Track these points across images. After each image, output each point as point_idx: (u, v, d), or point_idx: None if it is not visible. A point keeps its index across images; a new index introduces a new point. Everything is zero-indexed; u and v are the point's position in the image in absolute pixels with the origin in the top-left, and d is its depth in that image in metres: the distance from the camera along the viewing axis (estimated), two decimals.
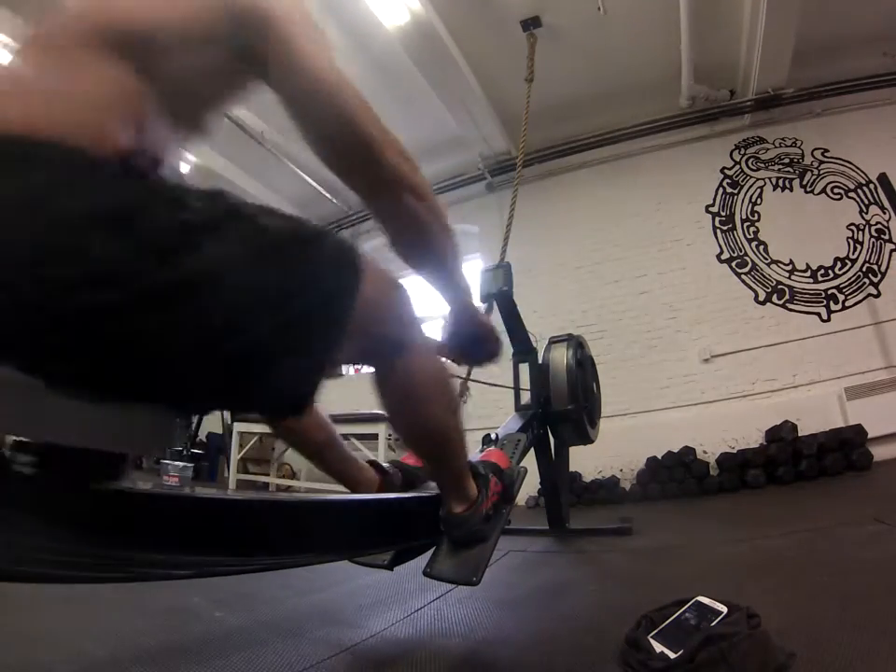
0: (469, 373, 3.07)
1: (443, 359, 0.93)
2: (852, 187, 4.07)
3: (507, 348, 2.27)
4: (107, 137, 0.51)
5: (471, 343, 0.97)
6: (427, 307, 1.00)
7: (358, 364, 0.80)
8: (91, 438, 0.51)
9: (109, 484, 0.54)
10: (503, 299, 2.04)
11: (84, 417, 0.50)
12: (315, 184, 5.09)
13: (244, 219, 0.55)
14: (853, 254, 3.92)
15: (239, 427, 4.36)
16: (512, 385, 2.13)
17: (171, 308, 0.48)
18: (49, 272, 0.44)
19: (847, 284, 3.87)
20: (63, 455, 0.50)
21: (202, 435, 5.62)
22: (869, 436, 3.20)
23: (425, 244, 0.77)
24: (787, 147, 4.32)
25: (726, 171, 4.42)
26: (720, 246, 4.24)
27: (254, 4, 0.60)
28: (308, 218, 0.63)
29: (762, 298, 4.02)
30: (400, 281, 0.71)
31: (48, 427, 0.49)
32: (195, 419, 5.74)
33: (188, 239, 0.49)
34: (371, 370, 0.75)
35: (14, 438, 0.51)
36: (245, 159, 4.89)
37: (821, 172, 4.17)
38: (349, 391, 3.27)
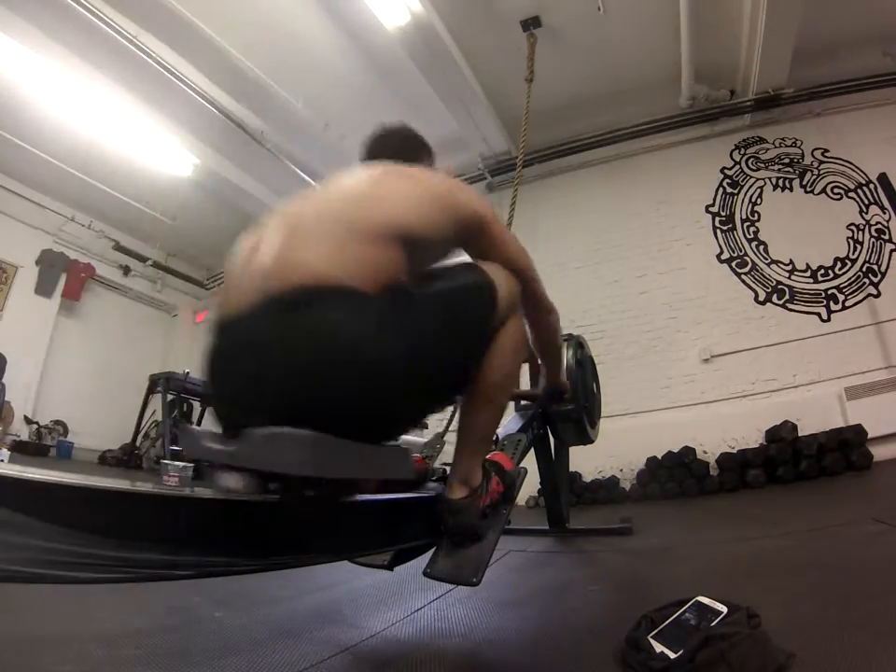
0: None
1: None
2: (852, 187, 4.07)
3: None
4: (377, 283, 0.77)
5: (554, 395, 1.68)
6: None
7: None
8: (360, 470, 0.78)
9: (107, 484, 0.54)
10: None
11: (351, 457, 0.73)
12: (315, 184, 5.08)
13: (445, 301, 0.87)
14: (853, 254, 3.92)
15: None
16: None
17: (404, 373, 0.77)
18: (341, 372, 0.71)
19: (847, 284, 3.87)
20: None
21: None
22: (869, 436, 3.20)
23: (551, 341, 1.29)
24: (787, 147, 4.32)
25: (726, 171, 4.42)
26: (720, 246, 4.24)
27: (475, 212, 0.96)
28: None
29: (762, 298, 4.02)
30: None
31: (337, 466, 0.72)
32: (194, 421, 5.74)
33: (415, 335, 0.78)
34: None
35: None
36: (245, 159, 4.90)
37: (821, 172, 4.17)
38: None
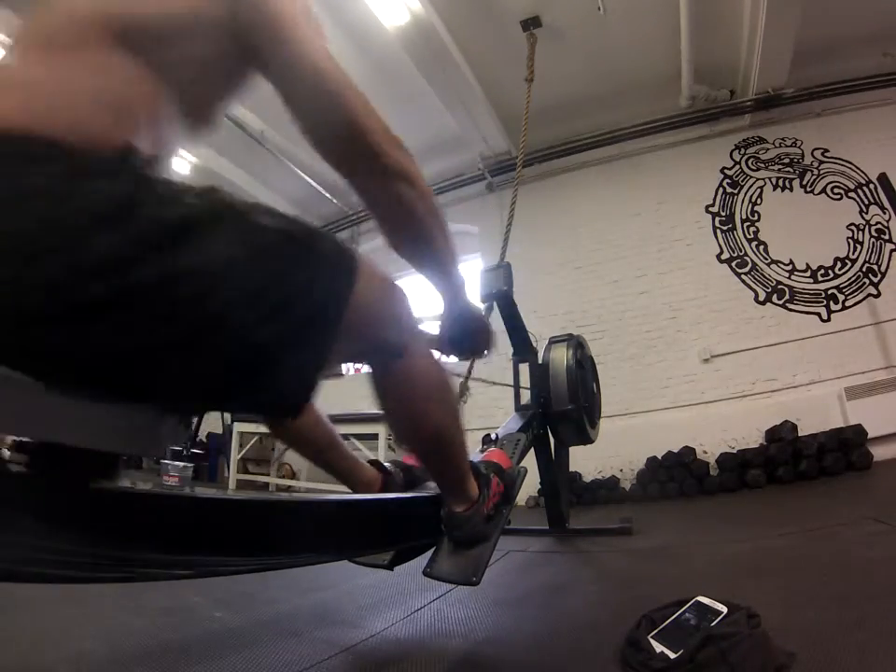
0: (469, 373, 3.07)
1: (436, 353, 0.89)
2: (852, 187, 4.07)
3: (506, 347, 2.28)
4: (109, 134, 0.51)
5: (464, 335, 0.94)
6: (425, 308, 0.99)
7: (356, 363, 0.81)
8: (90, 438, 0.51)
9: (106, 484, 0.54)
10: (503, 299, 2.04)
11: (82, 417, 0.50)
12: (315, 184, 5.09)
13: (239, 217, 0.55)
14: (853, 254, 3.92)
15: (239, 427, 4.37)
16: (512, 385, 2.13)
17: (163, 304, 0.47)
18: (40, 270, 0.44)
19: (847, 284, 3.87)
20: (59, 454, 0.50)
21: (202, 435, 5.62)
22: (869, 436, 3.20)
23: (416, 232, 0.75)
24: (787, 147, 4.32)
25: (726, 171, 4.42)
26: (720, 246, 4.24)
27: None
28: (305, 219, 0.62)
29: (762, 298, 4.02)
30: (397, 283, 0.72)
31: (46, 426, 0.49)
32: (194, 419, 5.75)
33: (182, 235, 0.49)
34: (369, 370, 0.75)
35: (13, 438, 0.51)
36: (245, 159, 4.90)
37: (821, 172, 4.17)
38: (349, 391, 3.27)
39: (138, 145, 0.53)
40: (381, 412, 0.80)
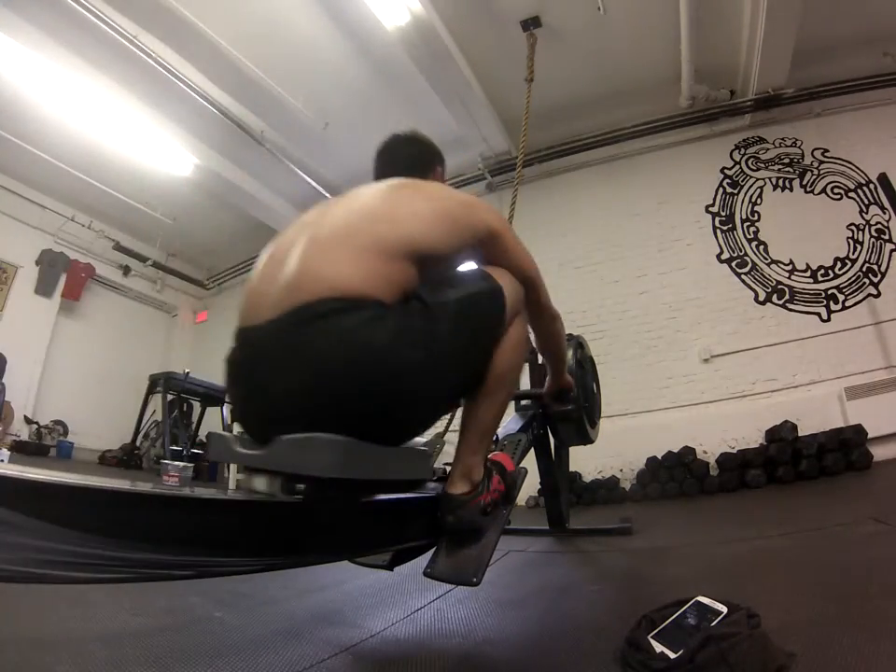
0: None
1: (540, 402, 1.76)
2: (852, 187, 4.07)
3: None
4: (395, 294, 0.82)
5: (560, 395, 1.65)
6: None
7: None
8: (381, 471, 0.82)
9: (109, 485, 0.54)
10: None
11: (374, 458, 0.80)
12: (314, 184, 5.09)
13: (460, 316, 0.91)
14: (853, 254, 3.92)
15: (239, 427, 4.36)
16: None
17: (422, 378, 0.82)
18: (363, 378, 0.75)
19: (847, 284, 3.87)
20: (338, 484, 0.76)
21: (201, 435, 5.63)
22: (869, 436, 3.20)
23: (556, 345, 1.33)
24: (787, 147, 4.32)
25: (726, 171, 4.42)
26: (720, 246, 4.25)
27: (488, 226, 1.00)
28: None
29: (762, 298, 4.02)
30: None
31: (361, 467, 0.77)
32: (194, 421, 5.75)
33: (432, 336, 0.83)
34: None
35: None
36: (245, 159, 4.90)
37: (821, 172, 4.18)
38: None
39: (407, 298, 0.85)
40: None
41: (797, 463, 3.18)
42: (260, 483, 0.76)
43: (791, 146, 4.31)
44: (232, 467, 4.48)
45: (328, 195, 5.23)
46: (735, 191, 4.36)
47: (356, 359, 0.75)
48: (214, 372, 5.33)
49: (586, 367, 2.24)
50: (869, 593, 1.04)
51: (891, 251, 3.87)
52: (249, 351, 0.83)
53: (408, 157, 1.18)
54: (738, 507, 2.90)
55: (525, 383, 2.16)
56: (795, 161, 4.26)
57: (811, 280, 3.96)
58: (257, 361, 0.81)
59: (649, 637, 0.85)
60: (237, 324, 0.87)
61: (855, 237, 3.96)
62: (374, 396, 0.77)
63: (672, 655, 0.79)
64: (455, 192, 1.04)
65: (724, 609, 0.86)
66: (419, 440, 0.95)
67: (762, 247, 4.16)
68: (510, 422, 1.76)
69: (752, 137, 4.44)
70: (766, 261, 4.11)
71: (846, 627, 0.87)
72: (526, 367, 2.18)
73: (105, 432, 5.56)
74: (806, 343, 3.78)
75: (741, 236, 4.23)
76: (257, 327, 0.81)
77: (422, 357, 0.80)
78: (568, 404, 1.71)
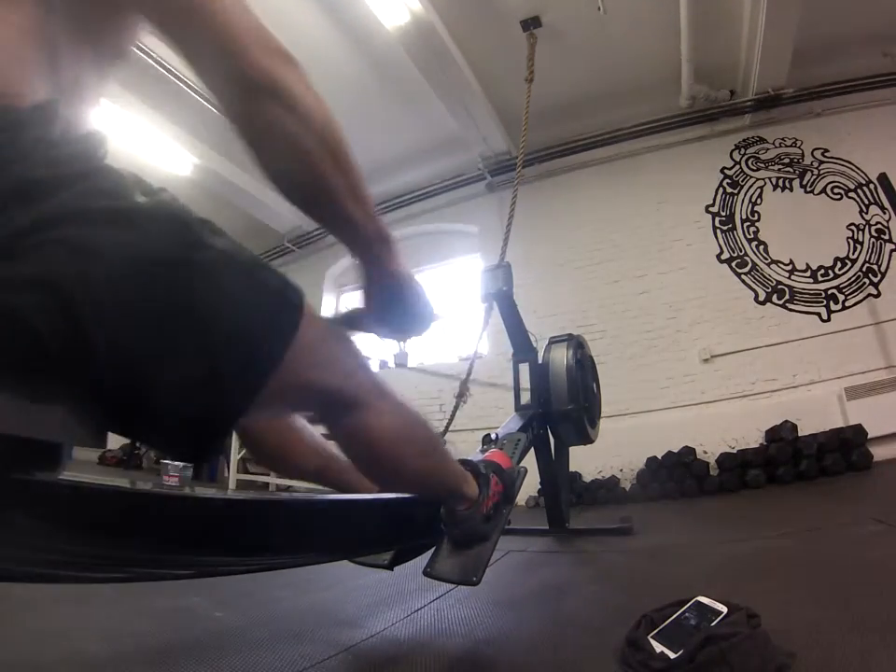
0: (468, 374, 3.07)
1: (363, 333, 0.76)
2: (852, 187, 4.07)
3: (506, 347, 2.27)
4: (17, 86, 0.43)
5: (395, 307, 0.73)
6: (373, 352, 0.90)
7: (306, 416, 0.72)
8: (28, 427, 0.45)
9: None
10: (503, 299, 2.05)
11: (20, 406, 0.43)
12: None
13: (182, 226, 0.48)
14: (853, 254, 3.92)
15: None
16: (512, 386, 2.14)
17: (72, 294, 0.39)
18: None
19: (847, 284, 3.87)
20: None
21: None
22: (869, 436, 3.20)
23: (306, 176, 0.56)
24: (787, 147, 4.32)
25: (726, 171, 4.42)
26: (720, 246, 4.24)
27: None
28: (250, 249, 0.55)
29: (762, 298, 4.02)
30: (346, 334, 0.67)
31: None
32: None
33: (116, 222, 0.43)
34: (322, 426, 0.68)
35: None
36: (245, 159, 4.86)
37: (821, 172, 4.17)
38: None
39: (53, 97, 0.45)
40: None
41: (797, 463, 3.18)
42: None
43: (791, 146, 4.31)
44: (232, 466, 4.47)
45: None
46: (735, 191, 4.36)
47: None
48: None
49: (586, 367, 2.24)
50: (869, 593, 1.04)
51: (891, 251, 3.87)
52: None
53: None
54: (738, 507, 2.90)
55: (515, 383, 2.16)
56: (795, 161, 4.26)
57: (811, 280, 3.96)
58: None
59: (649, 637, 0.85)
60: None
61: (855, 237, 3.96)
62: None
63: (672, 655, 0.79)
64: None
65: (724, 609, 0.86)
66: None
67: (762, 247, 4.16)
68: (510, 421, 1.76)
69: (752, 137, 4.44)
70: (766, 261, 4.11)
71: (846, 627, 0.87)
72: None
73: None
74: (806, 342, 3.78)
75: (741, 236, 4.23)
76: None
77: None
78: (420, 323, 0.78)
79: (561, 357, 2.11)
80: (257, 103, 0.54)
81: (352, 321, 0.75)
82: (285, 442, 0.93)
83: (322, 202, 0.59)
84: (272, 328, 0.50)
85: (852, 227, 3.98)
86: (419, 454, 0.76)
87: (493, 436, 1.53)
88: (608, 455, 3.76)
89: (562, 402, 2.00)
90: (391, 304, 0.72)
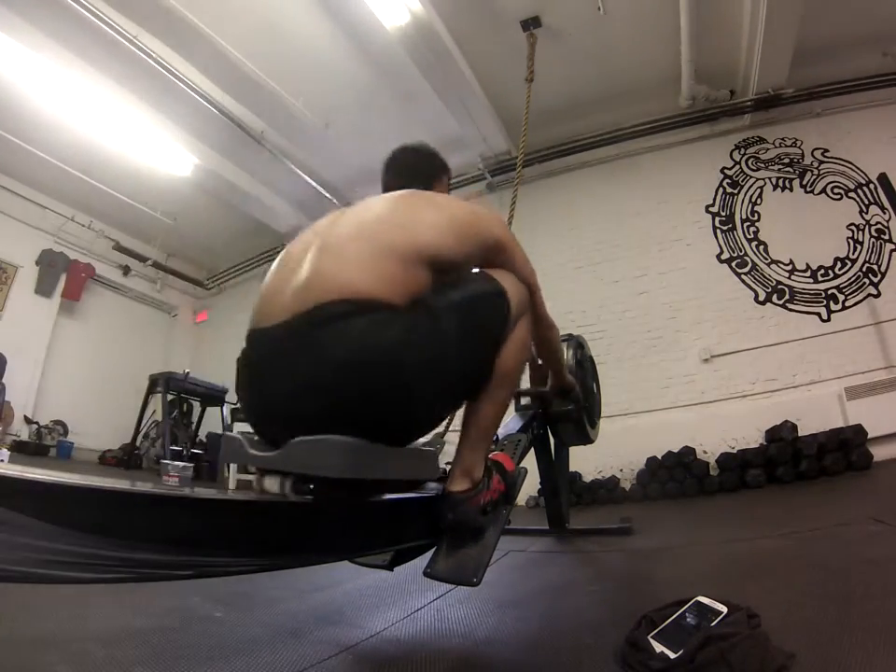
0: None
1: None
2: (852, 187, 4.07)
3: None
4: (405, 298, 0.83)
5: (562, 393, 1.74)
6: None
7: None
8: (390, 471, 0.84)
9: (108, 484, 0.54)
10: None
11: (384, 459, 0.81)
12: (314, 184, 5.09)
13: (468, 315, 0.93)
14: (853, 254, 3.92)
15: (239, 426, 4.37)
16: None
17: (432, 378, 0.83)
18: (374, 379, 0.77)
19: (847, 284, 3.87)
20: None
21: (202, 435, 5.63)
22: (869, 436, 3.20)
23: (553, 350, 1.42)
24: (787, 147, 4.32)
25: (726, 171, 4.42)
26: (720, 246, 4.24)
27: (496, 237, 1.05)
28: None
29: (762, 298, 4.02)
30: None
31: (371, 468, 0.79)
32: (194, 421, 5.75)
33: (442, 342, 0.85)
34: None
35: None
36: (245, 159, 4.90)
37: (821, 172, 4.17)
38: None
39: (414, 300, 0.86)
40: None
41: (797, 463, 3.18)
42: (272, 484, 0.77)
43: (791, 146, 4.31)
44: (233, 467, 4.48)
45: (328, 195, 5.24)
46: (735, 191, 4.36)
47: (366, 360, 0.77)
48: (214, 372, 5.34)
49: (586, 367, 2.24)
50: (869, 593, 1.04)
51: (891, 251, 3.87)
52: (262, 352, 0.84)
53: (415, 167, 1.23)
54: (738, 507, 2.90)
55: (524, 382, 2.16)
56: (795, 161, 4.26)
57: (811, 280, 3.96)
58: (269, 362, 0.82)
59: (649, 637, 0.85)
60: (250, 326, 0.88)
61: (855, 237, 3.96)
62: (383, 396, 0.78)
63: (672, 655, 0.79)
64: (463, 203, 1.08)
65: (724, 609, 0.86)
66: (421, 440, 0.96)
67: (762, 247, 4.16)
68: (510, 422, 1.76)
69: (752, 137, 4.44)
70: (766, 261, 4.11)
71: (846, 627, 0.87)
72: (527, 367, 2.17)
73: (104, 432, 5.55)
74: (806, 342, 3.78)
75: (741, 236, 4.23)
76: (270, 328, 0.83)
77: (430, 357, 0.82)
78: (570, 403, 1.78)
79: None
80: (547, 329, 1.28)
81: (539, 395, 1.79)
82: None
83: (558, 359, 1.53)
84: (504, 319, 1.00)
85: (852, 227, 3.98)
86: (523, 361, 1.10)
87: (494, 435, 1.53)
88: (608, 455, 3.76)
89: (562, 402, 2.00)
90: (560, 394, 1.75)
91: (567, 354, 2.11)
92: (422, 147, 1.28)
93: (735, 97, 4.32)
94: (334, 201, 5.30)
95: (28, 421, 4.98)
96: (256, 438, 0.85)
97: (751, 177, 4.35)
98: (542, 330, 1.23)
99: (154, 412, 5.44)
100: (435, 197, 1.06)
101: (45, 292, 5.42)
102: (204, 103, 4.15)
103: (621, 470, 3.84)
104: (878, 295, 3.77)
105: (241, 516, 0.69)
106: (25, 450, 4.64)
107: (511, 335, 0.99)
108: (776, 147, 4.35)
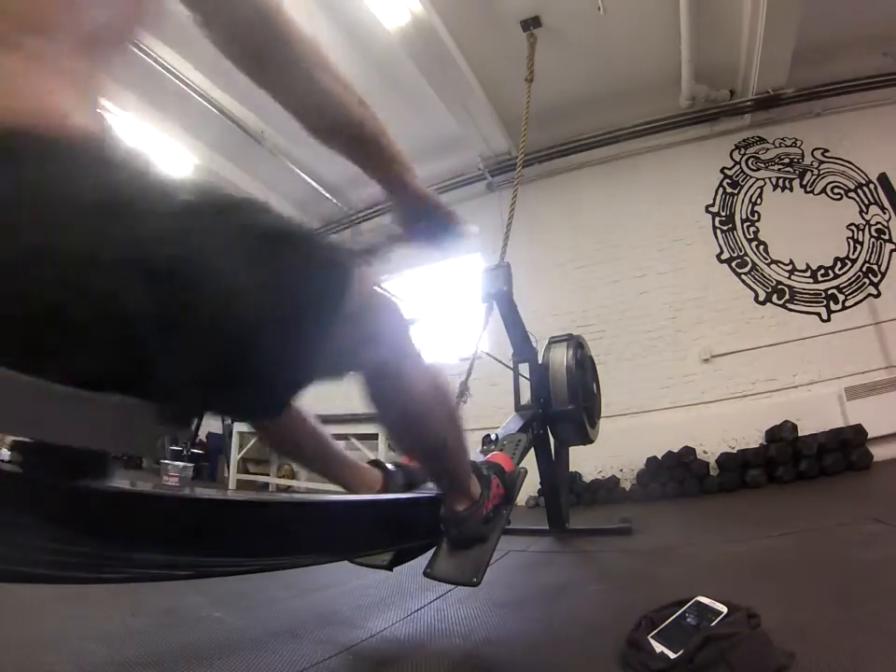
0: (468, 374, 3.06)
1: (408, 243, 0.89)
2: (852, 187, 4.07)
3: (506, 346, 2.28)
4: (68, 116, 0.47)
5: (430, 223, 0.86)
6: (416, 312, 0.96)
7: (348, 373, 0.78)
8: (82, 437, 0.49)
9: (95, 483, 0.53)
10: (503, 299, 2.04)
11: (75, 416, 0.48)
12: (314, 184, 5.09)
13: (235, 214, 0.54)
14: (853, 254, 3.92)
15: (239, 426, 4.37)
16: (513, 386, 2.13)
17: (151, 297, 0.45)
18: (40, 264, 0.42)
19: (847, 284, 3.87)
20: (52, 453, 0.49)
21: (202, 435, 5.63)
22: (869, 436, 3.20)
23: (331, 113, 0.71)
24: (787, 147, 4.32)
25: (726, 171, 4.42)
26: (720, 246, 4.24)
27: None
28: (302, 219, 0.61)
29: (762, 298, 4.02)
30: (393, 298, 0.72)
31: (41, 425, 0.48)
32: (194, 423, 5.75)
33: (177, 230, 0.47)
34: (362, 380, 0.74)
35: (11, 438, 0.52)
36: (245, 159, 4.90)
37: (821, 172, 4.17)
38: (348, 391, 3.27)
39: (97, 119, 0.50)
40: (378, 422, 0.80)
41: (797, 463, 3.18)
42: None
43: (791, 146, 4.31)
44: (232, 466, 4.47)
45: (328, 195, 5.24)
46: (735, 191, 4.36)
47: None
48: None
49: (586, 367, 2.24)
50: (869, 593, 1.04)
51: (891, 251, 3.87)
52: None
53: None
54: (738, 507, 2.90)
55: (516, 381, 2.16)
56: (795, 161, 4.26)
57: (811, 280, 3.96)
58: None
59: (649, 636, 0.85)
60: None
61: (855, 237, 3.96)
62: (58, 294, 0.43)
63: (672, 655, 0.79)
64: None
65: (724, 609, 0.86)
66: None
67: (762, 247, 4.16)
68: (510, 422, 1.76)
69: (752, 137, 4.43)
70: (766, 261, 4.11)
71: (846, 627, 0.87)
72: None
73: None
74: (806, 342, 3.78)
75: (741, 236, 4.23)
76: None
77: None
78: (455, 231, 0.90)
79: (561, 357, 2.11)
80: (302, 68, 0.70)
81: (391, 238, 0.89)
82: (293, 424, 0.96)
83: (349, 134, 0.74)
84: (327, 296, 0.58)
85: (852, 227, 3.98)
86: (445, 418, 0.82)
87: (493, 436, 1.53)
88: (608, 455, 3.76)
89: (562, 402, 2.00)
90: (427, 220, 0.85)
91: (567, 354, 2.12)
92: None
93: (734, 97, 4.32)
94: (334, 201, 5.30)
95: None
96: None
97: (751, 177, 4.35)
98: (306, 70, 0.69)
99: None
100: None
101: None
102: (204, 103, 4.14)
103: (621, 470, 3.84)
104: (878, 295, 3.77)
105: (241, 516, 0.68)
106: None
107: None
108: (776, 148, 4.35)
